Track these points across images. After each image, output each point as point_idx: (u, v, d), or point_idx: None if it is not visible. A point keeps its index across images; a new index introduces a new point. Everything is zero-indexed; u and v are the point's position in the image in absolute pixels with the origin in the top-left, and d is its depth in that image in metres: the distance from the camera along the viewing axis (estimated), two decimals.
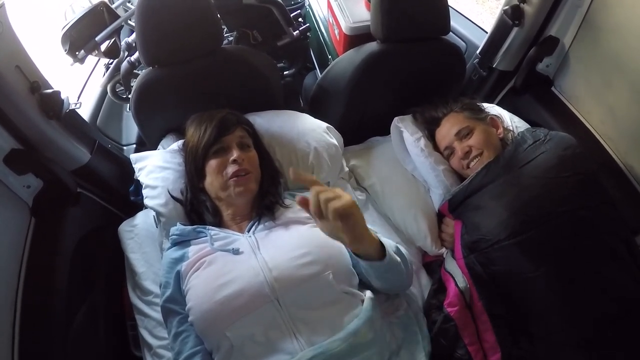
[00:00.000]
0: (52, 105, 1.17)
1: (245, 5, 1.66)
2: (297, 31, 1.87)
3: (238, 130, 1.13)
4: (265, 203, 1.10)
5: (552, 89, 1.58)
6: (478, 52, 1.72)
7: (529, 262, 1.01)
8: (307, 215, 1.07)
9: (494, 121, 1.32)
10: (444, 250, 1.25)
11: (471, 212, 1.15)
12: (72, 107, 1.25)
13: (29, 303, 1.03)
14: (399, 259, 0.96)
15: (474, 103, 1.36)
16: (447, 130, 1.29)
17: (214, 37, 1.28)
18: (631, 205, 1.25)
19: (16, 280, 1.05)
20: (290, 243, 1.00)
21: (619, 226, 1.07)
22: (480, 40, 1.73)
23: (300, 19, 2.10)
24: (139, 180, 1.27)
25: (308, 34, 1.99)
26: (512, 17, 1.50)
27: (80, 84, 1.99)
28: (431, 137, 1.36)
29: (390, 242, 0.98)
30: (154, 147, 1.38)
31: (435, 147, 1.35)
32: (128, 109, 1.92)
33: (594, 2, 1.33)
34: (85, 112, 1.75)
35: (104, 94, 1.86)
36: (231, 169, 1.06)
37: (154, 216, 1.23)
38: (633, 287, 1.00)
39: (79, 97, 1.87)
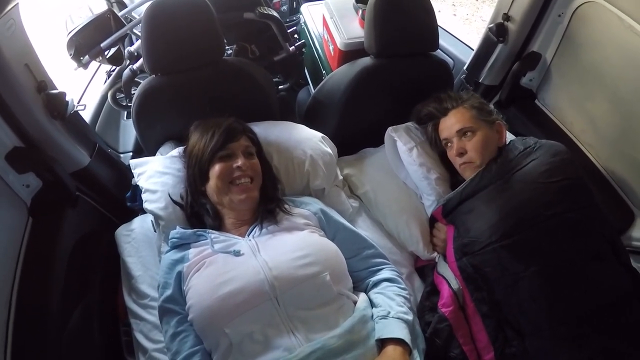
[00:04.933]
0: (57, 105, 1.18)
1: (245, 20, 1.70)
2: (293, 47, 1.92)
3: (243, 139, 1.16)
4: (269, 208, 1.13)
5: (536, 101, 1.65)
6: (465, 67, 1.80)
7: (519, 263, 1.04)
8: (305, 221, 1.11)
9: (500, 127, 1.31)
10: (435, 254, 1.27)
11: (464, 216, 1.18)
12: (77, 109, 1.26)
13: (24, 301, 1.02)
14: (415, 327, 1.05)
15: (486, 104, 1.34)
16: (452, 124, 1.29)
17: (217, 48, 1.32)
18: (614, 207, 1.31)
19: (12, 278, 1.04)
20: (290, 245, 1.03)
21: (605, 227, 1.11)
22: (467, 57, 1.80)
23: (295, 36, 2.15)
24: (136, 186, 1.27)
25: (303, 49, 2.04)
26: (496, 34, 1.58)
27: (76, 89, 2.00)
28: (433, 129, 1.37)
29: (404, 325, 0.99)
30: (152, 154, 1.39)
31: (430, 149, 1.37)
32: (126, 117, 1.94)
33: (574, 19, 1.41)
34: (85, 118, 1.75)
35: (103, 100, 1.87)
36: (235, 175, 1.09)
37: (151, 220, 1.23)
38: (616, 284, 1.04)
39: (78, 102, 1.89)
